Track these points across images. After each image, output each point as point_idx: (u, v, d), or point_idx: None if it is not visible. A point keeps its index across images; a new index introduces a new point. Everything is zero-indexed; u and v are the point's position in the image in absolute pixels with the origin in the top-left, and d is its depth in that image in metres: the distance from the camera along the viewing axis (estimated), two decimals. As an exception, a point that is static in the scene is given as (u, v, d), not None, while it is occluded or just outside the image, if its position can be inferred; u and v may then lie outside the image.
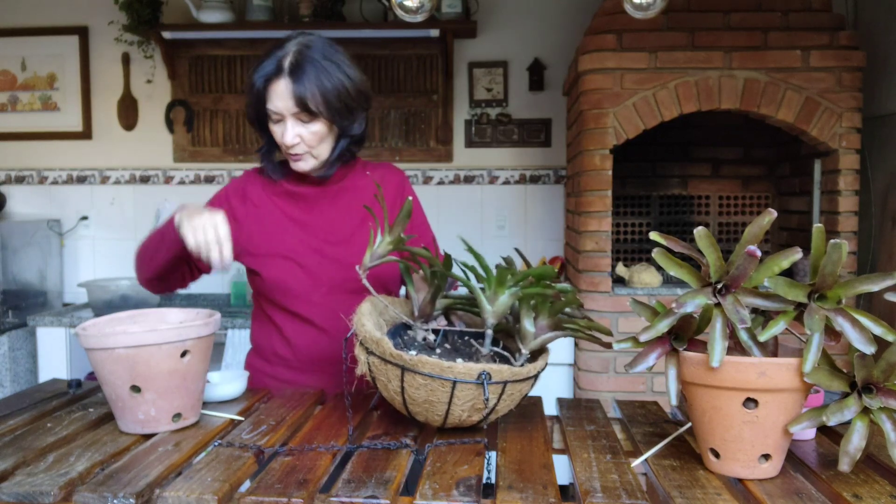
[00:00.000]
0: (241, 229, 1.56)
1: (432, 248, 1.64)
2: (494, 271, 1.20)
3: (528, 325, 1.20)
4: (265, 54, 1.46)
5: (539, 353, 1.25)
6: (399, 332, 1.32)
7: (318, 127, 1.45)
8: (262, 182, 1.59)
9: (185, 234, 1.33)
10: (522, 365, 1.20)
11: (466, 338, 1.34)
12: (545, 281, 1.17)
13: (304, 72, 1.41)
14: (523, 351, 1.21)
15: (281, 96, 1.41)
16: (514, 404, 1.22)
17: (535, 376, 1.20)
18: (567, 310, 1.24)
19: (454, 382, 1.11)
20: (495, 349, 1.26)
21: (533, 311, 1.20)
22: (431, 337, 1.30)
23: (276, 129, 1.47)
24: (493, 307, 1.21)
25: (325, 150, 1.49)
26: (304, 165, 1.49)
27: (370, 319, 1.22)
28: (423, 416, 1.18)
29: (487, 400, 1.12)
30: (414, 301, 1.33)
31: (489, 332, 1.23)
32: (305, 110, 1.42)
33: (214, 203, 1.59)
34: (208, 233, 1.32)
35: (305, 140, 1.45)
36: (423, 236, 1.61)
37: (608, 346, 1.23)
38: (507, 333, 1.33)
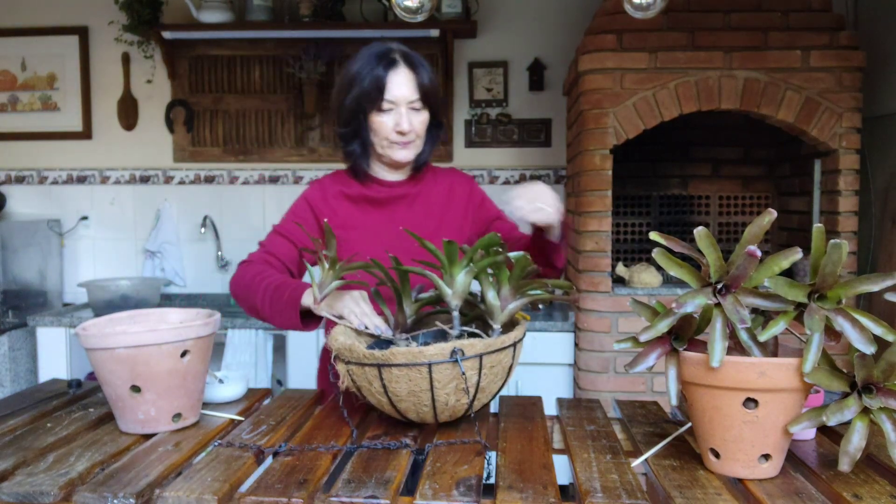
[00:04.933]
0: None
1: (524, 234, 1.61)
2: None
3: (492, 298, 1.21)
4: (363, 57, 1.51)
5: (514, 325, 1.25)
6: (381, 348, 1.33)
7: (425, 116, 1.54)
8: (341, 189, 1.61)
9: (347, 317, 1.35)
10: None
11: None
12: (493, 248, 1.18)
13: (419, 63, 1.52)
14: (495, 327, 1.22)
15: (400, 85, 1.48)
16: (501, 380, 1.22)
17: (514, 346, 1.21)
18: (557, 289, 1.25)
19: (429, 365, 1.11)
20: (468, 329, 1.28)
21: (496, 284, 1.21)
22: (414, 345, 1.30)
23: (384, 120, 1.50)
24: (453, 288, 1.22)
25: (423, 141, 1.58)
26: (409, 154, 1.55)
27: (342, 335, 1.25)
28: (413, 412, 1.19)
29: (465, 375, 1.12)
30: (388, 316, 1.35)
31: (455, 313, 1.24)
32: (423, 97, 1.50)
33: (296, 211, 1.59)
34: (356, 311, 1.35)
35: (415, 128, 1.52)
36: (514, 228, 1.64)
37: (575, 301, 1.25)
38: (484, 321, 1.33)
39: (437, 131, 1.61)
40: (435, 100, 1.54)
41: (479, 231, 1.63)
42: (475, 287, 1.28)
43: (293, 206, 1.61)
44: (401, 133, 1.50)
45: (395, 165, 1.57)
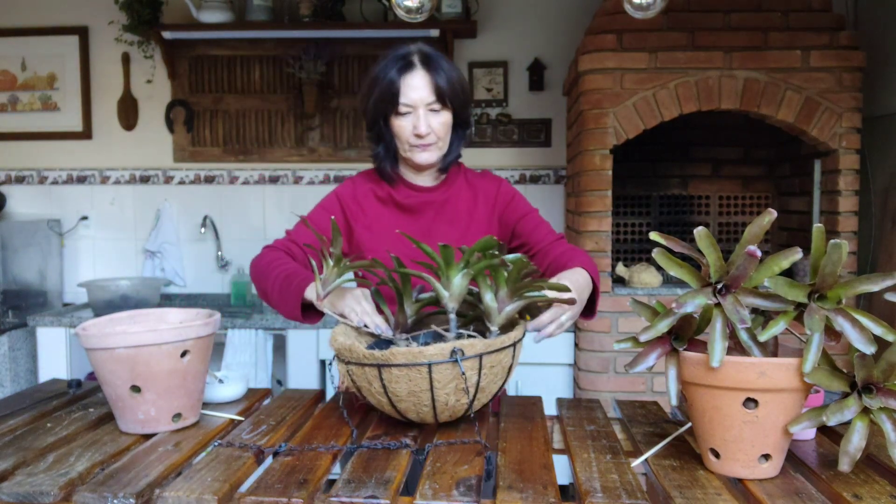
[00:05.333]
0: (353, 233, 1.58)
1: (549, 234, 1.57)
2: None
3: (489, 300, 1.21)
4: (384, 59, 1.51)
5: (513, 326, 1.25)
6: (381, 348, 1.33)
7: (446, 117, 1.51)
8: (372, 189, 1.60)
9: (348, 315, 1.35)
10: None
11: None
12: (490, 251, 1.18)
13: (437, 64, 1.50)
14: (492, 329, 1.22)
15: (416, 88, 1.47)
16: (501, 380, 1.22)
17: (513, 346, 1.21)
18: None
19: (429, 366, 1.11)
20: (466, 332, 1.28)
21: (493, 287, 1.21)
22: (414, 345, 1.30)
23: (403, 124, 1.49)
24: (450, 291, 1.22)
25: (447, 142, 1.55)
26: (431, 157, 1.53)
27: (342, 335, 1.25)
28: (413, 412, 1.18)
29: (465, 375, 1.12)
30: (388, 316, 1.35)
31: (452, 316, 1.24)
32: (440, 99, 1.48)
33: (326, 205, 1.60)
34: (357, 309, 1.35)
35: (435, 130, 1.50)
36: (538, 227, 1.58)
37: (571, 302, 1.24)
38: (484, 322, 1.33)
39: (464, 131, 1.60)
40: (457, 99, 1.51)
41: (507, 231, 1.60)
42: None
43: (324, 199, 1.62)
44: (419, 136, 1.49)
45: (420, 168, 1.56)
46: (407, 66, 1.48)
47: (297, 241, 1.56)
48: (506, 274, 1.20)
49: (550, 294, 1.23)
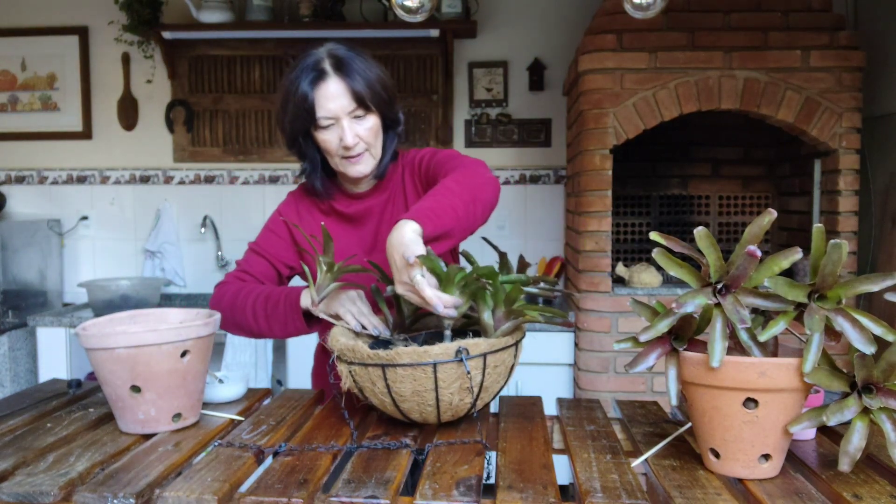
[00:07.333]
0: (298, 251, 1.55)
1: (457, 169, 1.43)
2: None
3: (486, 317, 1.22)
4: (294, 69, 1.41)
5: (514, 328, 1.26)
6: (380, 348, 1.33)
7: (372, 122, 1.41)
8: (314, 202, 1.56)
9: (344, 317, 1.32)
10: None
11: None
12: (489, 280, 1.19)
13: (349, 67, 1.38)
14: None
15: (333, 97, 1.37)
16: (504, 379, 1.23)
17: (515, 346, 1.21)
18: (542, 286, 1.26)
19: (434, 365, 1.11)
20: (470, 330, 1.29)
21: (491, 303, 1.21)
22: (414, 345, 1.31)
23: (328, 138, 1.40)
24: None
25: (379, 147, 1.46)
26: (364, 168, 1.44)
27: (343, 335, 1.25)
28: (417, 412, 1.18)
29: (470, 374, 1.12)
30: (387, 316, 1.35)
31: (447, 332, 1.24)
32: (361, 105, 1.38)
33: (273, 228, 1.56)
34: (353, 310, 1.33)
35: (363, 138, 1.40)
36: (450, 166, 1.47)
37: (569, 324, 1.24)
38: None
39: (395, 130, 1.49)
40: (380, 101, 1.40)
41: None
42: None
43: (268, 221, 1.58)
44: (347, 148, 1.39)
45: (354, 181, 1.50)
46: (319, 76, 1.37)
47: (249, 270, 1.52)
48: (505, 294, 1.21)
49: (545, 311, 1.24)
